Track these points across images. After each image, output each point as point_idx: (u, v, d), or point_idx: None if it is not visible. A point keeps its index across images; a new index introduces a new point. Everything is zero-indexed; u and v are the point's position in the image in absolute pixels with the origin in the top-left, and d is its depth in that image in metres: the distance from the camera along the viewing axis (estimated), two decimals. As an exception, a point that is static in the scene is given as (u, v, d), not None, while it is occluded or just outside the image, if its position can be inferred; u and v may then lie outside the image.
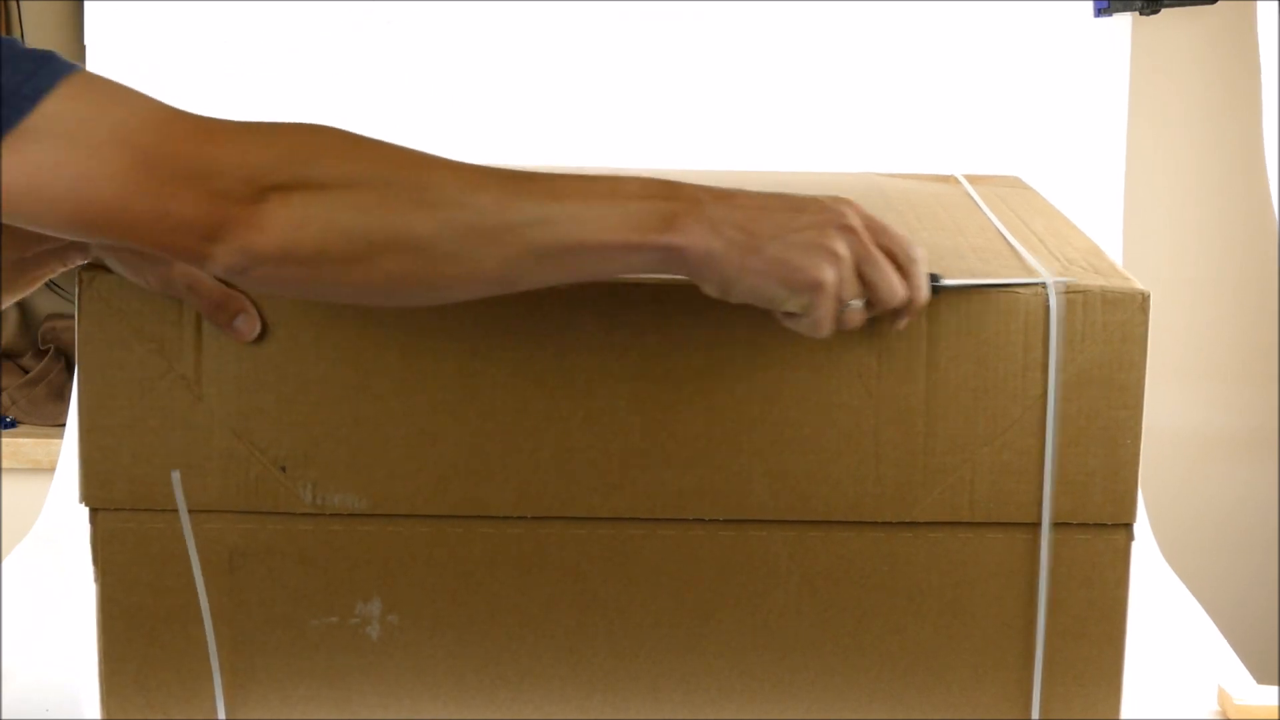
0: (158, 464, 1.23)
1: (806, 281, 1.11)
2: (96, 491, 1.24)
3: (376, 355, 1.22)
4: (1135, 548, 1.27)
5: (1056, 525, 1.24)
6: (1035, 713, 1.26)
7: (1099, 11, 2.05)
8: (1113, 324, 1.23)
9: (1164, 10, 2.05)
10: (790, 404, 1.23)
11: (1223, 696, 1.48)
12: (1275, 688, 1.47)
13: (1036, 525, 1.25)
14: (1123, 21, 2.11)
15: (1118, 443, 1.24)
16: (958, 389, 1.23)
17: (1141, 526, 1.30)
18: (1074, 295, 1.23)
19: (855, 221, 1.12)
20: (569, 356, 1.23)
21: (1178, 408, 2.29)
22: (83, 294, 1.22)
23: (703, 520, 1.24)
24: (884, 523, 1.24)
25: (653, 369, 1.23)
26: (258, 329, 1.20)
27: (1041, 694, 1.26)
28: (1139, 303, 1.23)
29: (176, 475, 1.23)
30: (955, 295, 1.22)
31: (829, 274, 1.11)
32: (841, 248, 1.11)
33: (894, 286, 1.13)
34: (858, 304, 1.13)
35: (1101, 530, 1.25)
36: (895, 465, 1.24)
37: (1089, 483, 1.24)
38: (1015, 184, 1.57)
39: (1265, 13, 2.04)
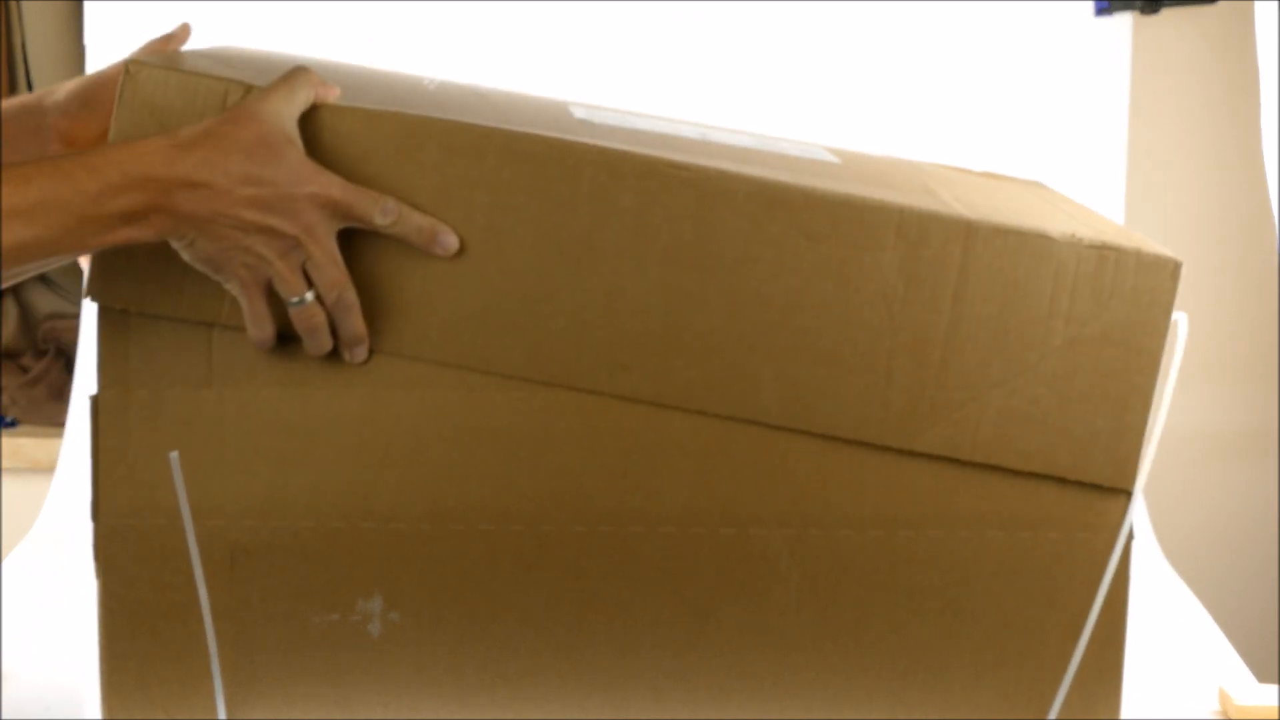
0: (163, 266, 1.21)
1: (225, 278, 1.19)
2: (104, 287, 1.22)
3: (409, 194, 1.21)
4: (1136, 548, 1.27)
5: (1055, 480, 1.24)
6: (1054, 713, 1.27)
7: (1099, 11, 2.05)
8: (1142, 287, 1.23)
9: (1164, 10, 2.05)
10: (812, 313, 1.22)
11: (1223, 696, 1.48)
12: (1276, 687, 1.47)
13: (1034, 477, 1.24)
14: (1123, 21, 2.11)
15: (1127, 406, 1.24)
16: (979, 326, 1.22)
17: (1143, 526, 1.30)
18: (1107, 253, 1.23)
19: (293, 229, 1.17)
20: (600, 229, 1.22)
21: (1178, 408, 2.28)
22: (125, 84, 1.20)
23: (700, 458, 1.24)
24: (885, 448, 1.24)
25: (683, 256, 1.22)
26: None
27: (1066, 695, 1.26)
28: (1170, 270, 1.24)
29: (175, 456, 1.22)
30: (993, 232, 1.21)
31: (242, 273, 1.18)
32: (262, 249, 1.17)
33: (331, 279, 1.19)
34: (303, 300, 1.19)
35: (1101, 513, 1.25)
36: (904, 392, 1.23)
37: (1093, 441, 1.24)
38: (1037, 186, 1.57)
39: (1265, 13, 2.04)
